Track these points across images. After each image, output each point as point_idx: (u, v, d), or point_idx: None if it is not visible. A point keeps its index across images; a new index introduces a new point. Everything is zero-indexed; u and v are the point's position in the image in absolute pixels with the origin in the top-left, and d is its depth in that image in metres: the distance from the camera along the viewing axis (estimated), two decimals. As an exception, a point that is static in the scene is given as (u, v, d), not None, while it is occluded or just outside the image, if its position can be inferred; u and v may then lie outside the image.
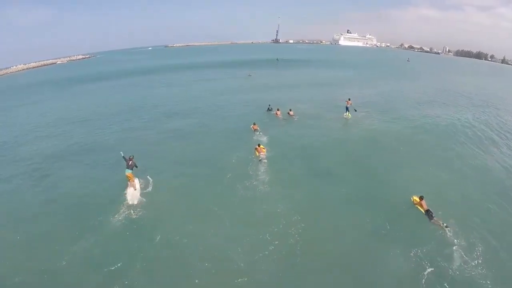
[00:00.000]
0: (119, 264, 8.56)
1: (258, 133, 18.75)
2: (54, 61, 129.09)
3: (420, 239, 9.45)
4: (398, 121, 22.35)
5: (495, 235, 9.74)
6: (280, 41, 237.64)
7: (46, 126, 23.60)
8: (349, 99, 22.87)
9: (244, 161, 14.78)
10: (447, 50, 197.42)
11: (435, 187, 12.60)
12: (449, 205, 11.30)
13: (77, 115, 26.11)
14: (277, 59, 74.83)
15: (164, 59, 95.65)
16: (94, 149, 17.81)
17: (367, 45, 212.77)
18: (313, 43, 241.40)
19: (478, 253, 8.86)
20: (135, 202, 11.45)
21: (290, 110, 22.79)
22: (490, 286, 7.88)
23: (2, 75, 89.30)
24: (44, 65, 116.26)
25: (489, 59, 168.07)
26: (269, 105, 23.95)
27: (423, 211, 10.69)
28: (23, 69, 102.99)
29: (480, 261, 8.57)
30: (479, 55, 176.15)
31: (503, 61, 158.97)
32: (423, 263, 8.56)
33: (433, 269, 8.35)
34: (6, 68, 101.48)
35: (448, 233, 9.64)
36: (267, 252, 8.93)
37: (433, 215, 10.37)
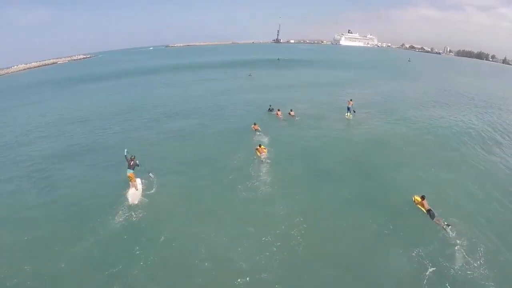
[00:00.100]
0: (119, 265, 8.54)
1: (259, 133, 18.72)
2: (55, 60, 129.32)
3: (422, 239, 9.41)
4: (400, 122, 22.31)
5: (498, 235, 9.70)
6: (281, 41, 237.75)
7: (46, 126, 23.62)
8: (351, 100, 22.83)
9: (245, 161, 14.76)
10: (448, 50, 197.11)
11: (437, 187, 12.57)
12: (451, 205, 11.28)
13: (78, 115, 26.14)
14: (278, 59, 74.97)
15: (165, 59, 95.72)
16: (94, 149, 17.80)
17: (368, 45, 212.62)
18: (314, 43, 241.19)
19: (480, 253, 8.82)
20: (136, 203, 11.43)
21: (291, 111, 22.75)
22: (492, 286, 7.84)
23: (2, 75, 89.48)
24: (45, 64, 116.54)
25: (490, 59, 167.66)
26: (270, 105, 23.92)
27: (425, 211, 10.66)
28: (24, 69, 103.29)
29: (482, 261, 8.53)
30: (480, 55, 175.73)
31: (504, 61, 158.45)
32: (425, 262, 8.52)
33: (434, 269, 8.31)
34: (7, 68, 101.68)
35: (450, 233, 9.60)
36: (268, 253, 8.88)
37: (435, 215, 10.34)
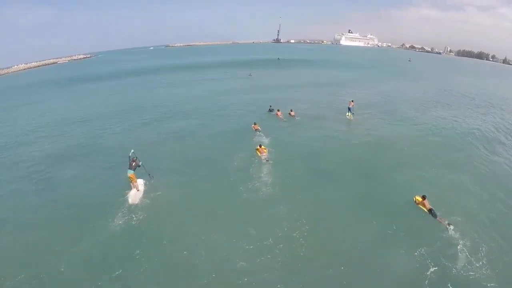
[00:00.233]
0: (120, 266, 8.50)
1: (259, 133, 18.68)
2: (55, 60, 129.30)
3: (425, 239, 9.37)
4: (401, 122, 22.27)
5: (501, 235, 9.67)
6: (281, 41, 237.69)
7: (46, 126, 23.59)
8: (352, 101, 22.77)
9: (246, 162, 14.71)
10: (449, 50, 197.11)
11: (440, 187, 12.53)
12: (454, 205, 11.22)
13: (78, 115, 26.09)
14: (278, 59, 74.99)
15: (165, 59, 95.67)
16: (95, 149, 17.76)
17: (369, 45, 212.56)
18: (314, 43, 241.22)
19: (483, 253, 8.77)
20: (137, 203, 11.38)
21: (291, 111, 22.71)
22: (494, 287, 7.80)
23: (2, 74, 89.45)
24: (45, 64, 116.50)
25: (490, 59, 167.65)
26: (270, 106, 23.87)
27: (426, 211, 10.63)
28: (24, 69, 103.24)
29: (485, 261, 8.49)
30: (480, 55, 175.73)
31: (505, 61, 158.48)
32: (427, 262, 8.49)
33: (436, 268, 8.27)
34: (7, 68, 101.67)
35: (453, 233, 9.56)
36: (269, 256, 8.80)
37: (437, 214, 10.31)
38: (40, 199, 12.49)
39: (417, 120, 22.83)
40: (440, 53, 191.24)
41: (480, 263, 8.46)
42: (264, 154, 14.94)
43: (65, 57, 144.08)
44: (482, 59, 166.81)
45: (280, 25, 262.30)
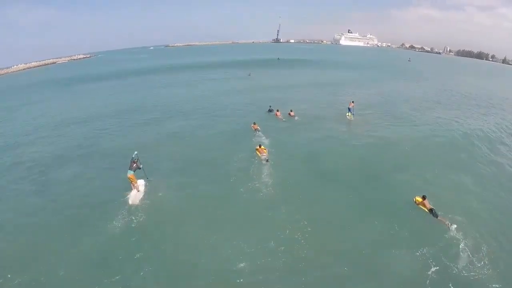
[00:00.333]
0: (120, 267, 8.48)
1: (258, 132, 18.66)
2: (55, 60, 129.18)
3: (427, 239, 9.35)
4: (401, 122, 22.24)
5: (504, 236, 9.66)
6: (281, 40, 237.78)
7: (46, 126, 23.54)
8: (353, 101, 22.74)
9: (246, 162, 14.67)
10: (448, 50, 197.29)
11: (442, 187, 12.52)
12: (457, 205, 11.20)
13: (78, 115, 26.04)
14: (278, 59, 74.94)
15: (165, 59, 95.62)
16: (94, 150, 17.71)
17: (368, 45, 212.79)
18: (314, 42, 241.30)
19: (485, 253, 8.76)
20: (137, 204, 11.35)
21: (291, 111, 22.68)
22: (496, 287, 7.79)
23: (2, 74, 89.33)
24: (45, 64, 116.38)
25: (490, 59, 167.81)
26: (270, 106, 23.83)
27: (427, 211, 10.61)
28: (24, 69, 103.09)
29: (486, 262, 8.47)
30: (480, 55, 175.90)
31: (504, 61, 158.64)
32: (429, 262, 8.48)
33: (438, 268, 8.26)
34: (7, 68, 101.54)
35: (454, 232, 9.54)
36: (270, 257, 8.76)
37: (438, 214, 10.29)
38: (40, 199, 12.44)
39: (418, 120, 22.81)
40: (439, 53, 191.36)
41: (482, 263, 8.44)
42: (264, 154, 14.92)
43: (65, 57, 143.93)
44: (481, 59, 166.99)
45: (280, 25, 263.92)
